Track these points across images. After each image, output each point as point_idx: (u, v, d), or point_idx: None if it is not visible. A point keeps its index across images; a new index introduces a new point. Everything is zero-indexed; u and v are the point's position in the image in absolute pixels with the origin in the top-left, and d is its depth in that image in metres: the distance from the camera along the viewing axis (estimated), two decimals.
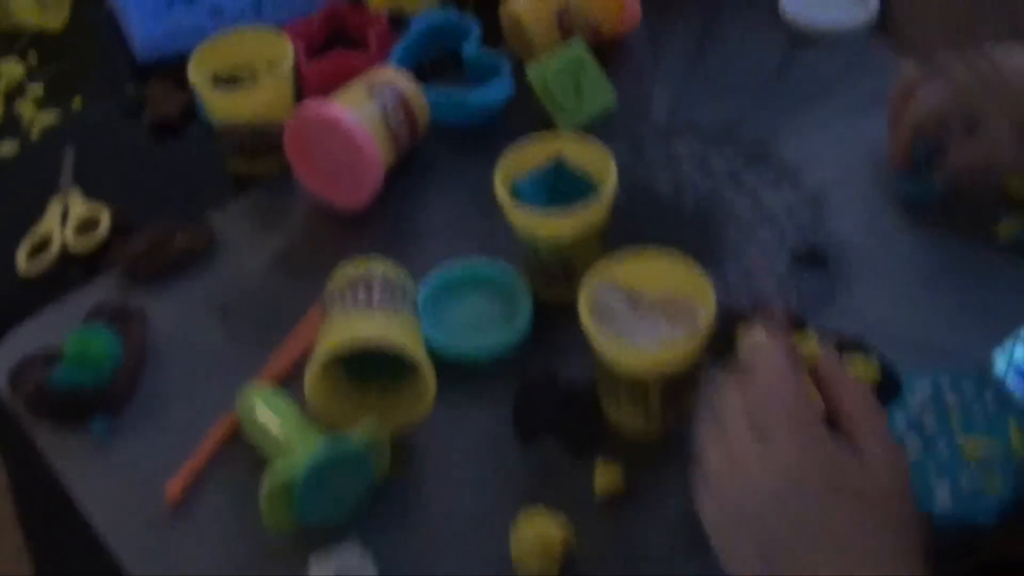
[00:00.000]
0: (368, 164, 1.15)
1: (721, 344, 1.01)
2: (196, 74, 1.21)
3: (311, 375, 0.96)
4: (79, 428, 1.04)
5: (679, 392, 0.96)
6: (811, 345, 1.01)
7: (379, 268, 1.04)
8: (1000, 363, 1.01)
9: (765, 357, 0.80)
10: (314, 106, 1.16)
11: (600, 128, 1.24)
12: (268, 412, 0.98)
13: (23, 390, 1.05)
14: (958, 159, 1.11)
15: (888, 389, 0.98)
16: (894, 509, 0.75)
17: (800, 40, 1.34)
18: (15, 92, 1.39)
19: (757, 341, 0.82)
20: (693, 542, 0.91)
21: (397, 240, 1.17)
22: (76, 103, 1.37)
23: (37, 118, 1.34)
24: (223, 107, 1.21)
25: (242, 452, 1.00)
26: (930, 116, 1.11)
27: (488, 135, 1.25)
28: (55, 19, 1.46)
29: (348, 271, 1.04)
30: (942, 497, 0.92)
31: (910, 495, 0.77)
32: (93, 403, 1.04)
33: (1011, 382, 0.99)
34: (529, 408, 1.01)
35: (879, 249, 1.12)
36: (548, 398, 1.01)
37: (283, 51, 1.22)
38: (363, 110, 1.17)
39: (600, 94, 1.27)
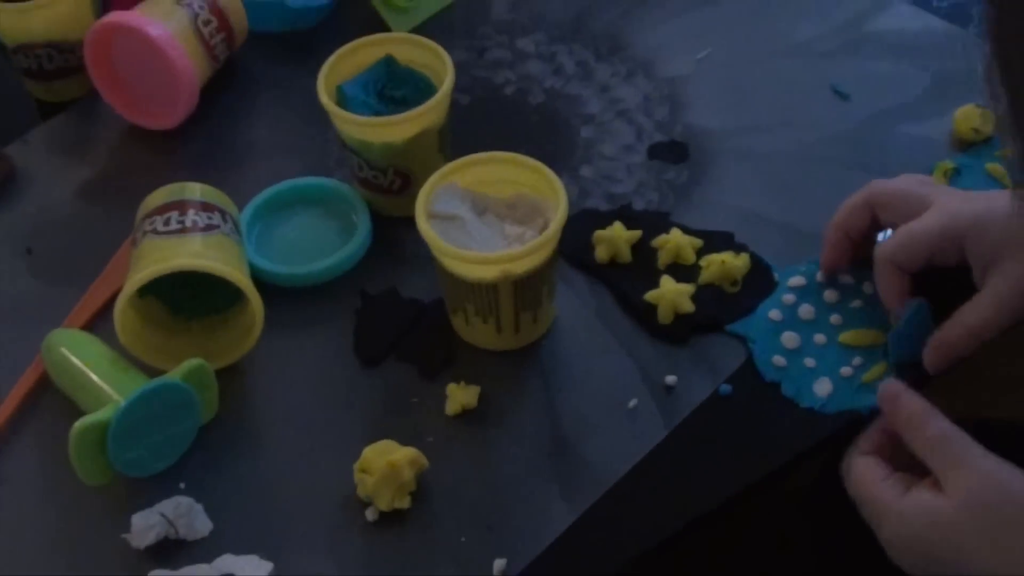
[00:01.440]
0: (180, 79, 1.04)
1: (578, 247, 0.94)
2: None
3: (119, 312, 0.85)
4: None
5: (531, 297, 0.87)
6: (676, 240, 0.93)
7: (193, 190, 0.93)
8: None
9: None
10: (114, 17, 1.04)
11: (437, 28, 1.14)
12: (75, 357, 0.87)
13: None
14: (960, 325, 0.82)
15: (760, 284, 0.92)
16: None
17: None
18: None
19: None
20: (551, 458, 0.84)
21: (217, 162, 1.06)
22: None
23: None
24: (13, 25, 1.08)
25: (54, 404, 0.89)
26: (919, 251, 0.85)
27: (314, 43, 1.15)
28: None
29: (158, 196, 0.93)
30: (821, 388, 0.85)
31: None
32: None
33: None
34: (371, 329, 0.91)
35: (741, 138, 1.04)
36: (392, 317, 0.92)
37: None
38: (170, 19, 1.05)
39: None
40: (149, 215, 0.91)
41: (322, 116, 0.96)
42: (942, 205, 0.84)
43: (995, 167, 0.98)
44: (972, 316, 0.81)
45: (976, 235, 0.81)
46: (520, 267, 0.84)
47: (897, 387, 0.76)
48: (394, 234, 0.98)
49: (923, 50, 1.10)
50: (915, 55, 1.10)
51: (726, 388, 0.87)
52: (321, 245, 0.97)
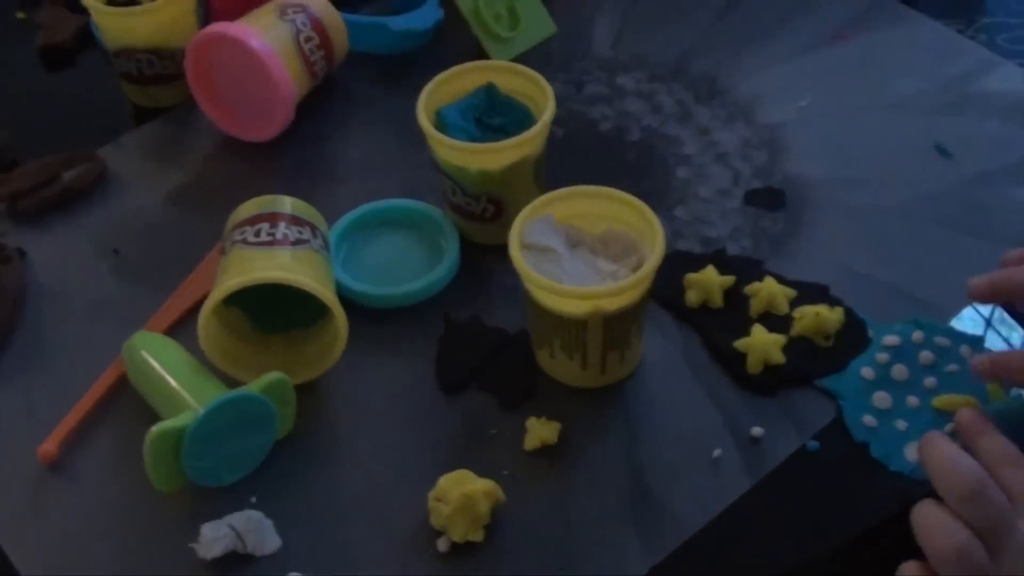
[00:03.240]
0: (278, 92, 1.03)
1: (669, 289, 0.92)
2: None
3: (203, 319, 0.85)
4: None
5: (620, 336, 0.85)
6: (770, 289, 0.92)
7: (285, 203, 0.92)
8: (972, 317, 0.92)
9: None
10: (217, 27, 1.04)
11: (537, 60, 1.13)
12: (156, 362, 0.87)
13: None
14: None
15: (854, 339, 0.90)
16: None
17: None
18: None
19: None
20: (630, 502, 0.82)
21: (310, 177, 1.06)
22: None
23: None
24: (118, 29, 1.09)
25: (130, 406, 0.88)
26: None
27: (413, 66, 1.14)
28: None
29: (250, 207, 0.92)
30: (911, 453, 0.83)
31: None
32: None
33: (990, 341, 0.90)
34: (454, 356, 0.90)
35: (840, 190, 1.02)
36: (475, 345, 0.91)
37: None
38: (272, 33, 1.05)
39: (537, 23, 1.16)
40: (240, 225, 0.90)
41: (416, 138, 0.96)
42: None
43: None
44: None
45: None
46: (612, 304, 0.82)
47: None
48: (482, 261, 0.97)
49: None
50: (1021, 117, 1.07)
51: (814, 444, 0.84)
52: (408, 267, 0.96)
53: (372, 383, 0.90)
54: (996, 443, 0.73)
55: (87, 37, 1.20)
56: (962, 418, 0.75)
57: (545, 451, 0.85)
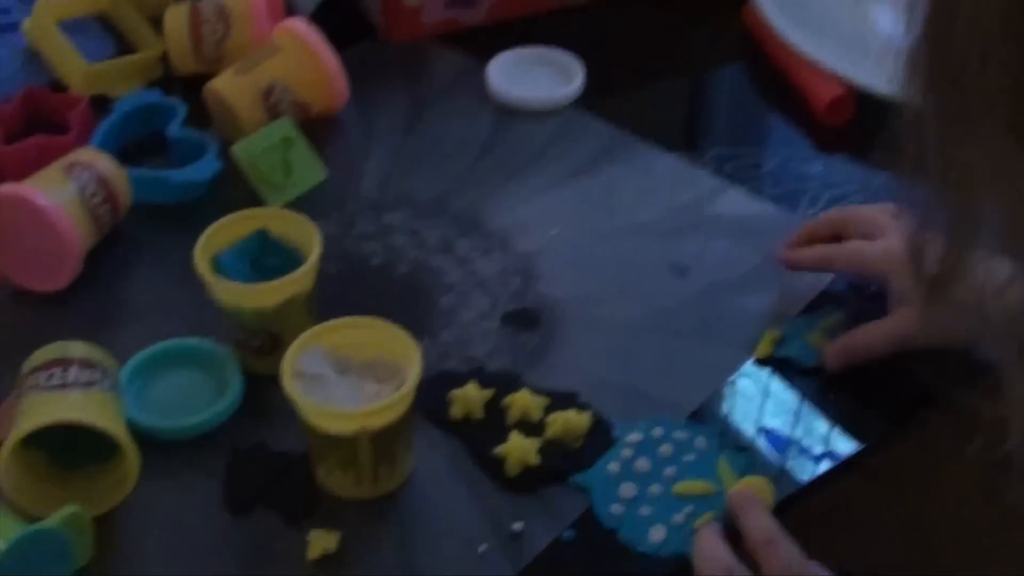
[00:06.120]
0: (64, 244, 1.11)
1: (435, 405, 1.02)
2: None
3: (2, 463, 0.91)
4: None
5: (388, 450, 0.94)
6: (524, 399, 1.02)
7: (76, 349, 1.00)
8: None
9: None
10: (5, 188, 1.11)
11: (310, 203, 1.23)
12: None
13: None
14: (863, 337, 1.05)
15: (601, 439, 1.00)
16: None
17: (507, 114, 1.36)
18: None
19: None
20: None
21: (100, 323, 1.13)
22: None
23: None
24: None
25: None
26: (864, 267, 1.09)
27: (195, 214, 1.21)
28: None
29: (42, 354, 0.99)
30: (655, 534, 0.93)
31: None
32: None
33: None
34: (240, 480, 0.98)
35: (587, 307, 1.13)
36: (260, 469, 0.99)
37: None
38: (58, 191, 1.13)
39: (309, 171, 1.26)
40: (33, 371, 0.97)
41: (199, 281, 1.04)
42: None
43: (815, 337, 1.08)
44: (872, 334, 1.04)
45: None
46: (377, 422, 0.91)
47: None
48: (266, 392, 1.04)
49: (755, 231, 1.21)
50: (748, 235, 1.21)
51: (569, 534, 0.94)
52: (196, 401, 1.04)
53: (165, 510, 0.97)
54: (758, 522, 0.90)
55: None
56: (730, 499, 0.93)
57: (327, 559, 0.93)
